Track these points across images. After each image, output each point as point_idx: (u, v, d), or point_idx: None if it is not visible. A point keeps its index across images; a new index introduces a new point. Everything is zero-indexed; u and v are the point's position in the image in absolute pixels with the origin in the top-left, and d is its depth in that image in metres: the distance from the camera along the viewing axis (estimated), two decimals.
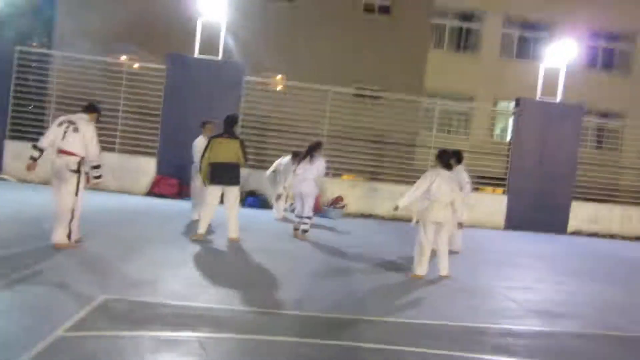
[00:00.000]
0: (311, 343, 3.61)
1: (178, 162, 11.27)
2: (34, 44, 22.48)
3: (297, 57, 16.94)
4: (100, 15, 16.50)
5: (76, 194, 5.58)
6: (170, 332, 3.50)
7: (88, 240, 5.95)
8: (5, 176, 11.22)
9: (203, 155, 6.93)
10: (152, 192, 11.36)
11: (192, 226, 7.98)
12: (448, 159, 6.25)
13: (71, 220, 5.55)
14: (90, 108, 5.92)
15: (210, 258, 5.98)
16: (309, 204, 7.86)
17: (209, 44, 12.41)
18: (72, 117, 5.74)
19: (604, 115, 18.93)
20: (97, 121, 5.99)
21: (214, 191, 6.94)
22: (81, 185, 5.63)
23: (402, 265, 6.63)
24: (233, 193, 6.96)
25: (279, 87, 17.69)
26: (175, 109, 11.65)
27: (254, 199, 11.35)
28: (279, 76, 17.62)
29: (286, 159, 10.00)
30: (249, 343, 3.50)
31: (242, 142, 6.98)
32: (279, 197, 10.10)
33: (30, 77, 13.90)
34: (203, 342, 3.38)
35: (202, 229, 6.89)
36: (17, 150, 11.44)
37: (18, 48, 11.68)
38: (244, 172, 10.07)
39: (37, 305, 3.74)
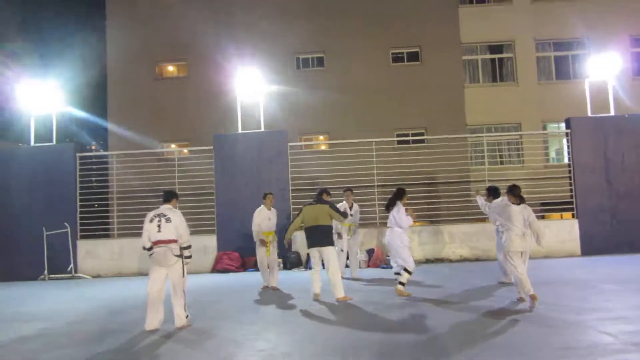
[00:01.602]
0: None
1: (237, 236, 11.53)
2: (93, 146, 24.30)
3: (337, 115, 17.38)
4: (147, 110, 17.74)
5: (183, 275, 6.08)
6: None
7: (166, 327, 6.09)
8: (80, 274, 11.81)
9: (292, 221, 7.88)
10: (216, 269, 11.57)
11: (261, 295, 8.03)
12: (519, 191, 6.57)
13: (184, 301, 6.09)
14: (168, 196, 6.40)
15: (280, 326, 5.91)
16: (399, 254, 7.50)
17: (251, 118, 12.97)
18: (160, 210, 6.21)
19: None
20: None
21: (311, 254, 7.48)
22: (185, 267, 6.14)
23: (484, 305, 6.32)
24: (329, 254, 7.31)
25: (323, 147, 18.05)
26: (227, 184, 12.06)
27: None
28: (322, 136, 18.03)
29: (340, 204, 9.68)
30: None
31: (331, 205, 7.54)
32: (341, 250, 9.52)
33: (92, 179, 14.94)
34: None
35: (317, 289, 7.46)
36: (88, 249, 12.13)
37: (78, 155, 12.60)
38: (302, 235, 10.18)
39: None
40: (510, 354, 4.50)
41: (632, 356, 4.29)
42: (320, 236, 7.34)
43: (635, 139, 12.05)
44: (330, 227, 7.50)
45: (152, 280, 6.06)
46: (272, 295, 8.15)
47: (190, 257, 6.20)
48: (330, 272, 7.25)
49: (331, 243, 7.40)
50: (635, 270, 9.17)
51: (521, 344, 4.80)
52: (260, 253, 8.67)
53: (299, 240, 11.84)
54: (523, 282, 6.29)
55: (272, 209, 8.88)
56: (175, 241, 6.05)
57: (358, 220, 9.98)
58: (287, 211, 11.69)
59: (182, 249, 6.10)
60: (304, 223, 7.50)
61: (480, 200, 8.65)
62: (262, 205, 8.83)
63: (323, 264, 7.45)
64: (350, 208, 9.67)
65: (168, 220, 6.04)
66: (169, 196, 6.39)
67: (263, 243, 8.64)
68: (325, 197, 7.72)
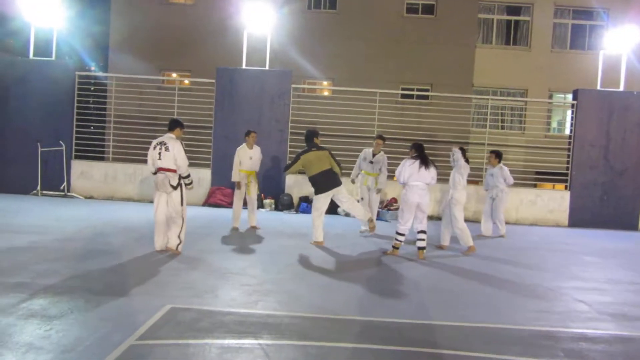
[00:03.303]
0: (375, 349, 3.56)
1: (231, 172, 11.52)
2: (92, 67, 23.74)
3: (343, 62, 16.99)
4: (150, 35, 17.22)
5: (181, 204, 6.25)
6: (234, 340, 3.54)
7: (153, 253, 6.20)
8: (73, 194, 11.87)
9: (290, 165, 7.79)
10: (208, 203, 11.66)
11: (247, 234, 8.14)
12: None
13: (180, 229, 6.22)
14: (173, 125, 6.44)
15: (267, 264, 6.03)
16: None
17: (256, 55, 12.65)
18: (162, 138, 6.31)
19: None
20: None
21: (324, 199, 7.48)
22: (185, 195, 6.28)
23: (465, 264, 6.47)
24: (342, 193, 7.55)
25: (326, 93, 17.78)
26: (226, 119, 11.94)
27: (307, 205, 11.42)
28: (326, 82, 17.71)
29: (366, 149, 9.26)
30: (310, 349, 3.48)
31: (330, 151, 7.59)
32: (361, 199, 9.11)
33: (90, 100, 14.70)
34: (266, 349, 3.40)
35: (320, 237, 7.49)
36: (82, 169, 12.12)
37: (77, 73, 12.32)
38: (297, 178, 10.19)
39: (109, 316, 3.90)
40: (488, 314, 4.64)
41: (604, 324, 4.44)
42: (332, 179, 7.44)
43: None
44: (332, 169, 7.51)
45: (155, 205, 6.29)
46: (261, 234, 8.27)
47: (190, 184, 6.39)
48: (349, 204, 7.61)
49: (340, 183, 7.53)
50: (617, 246, 9.37)
51: (501, 305, 4.95)
52: (239, 193, 8.55)
53: (291, 182, 11.90)
54: (467, 232, 7.56)
55: (256, 147, 8.65)
56: (173, 170, 6.18)
57: (385, 170, 9.07)
58: (284, 153, 11.66)
59: (182, 177, 6.25)
60: (309, 171, 7.48)
61: (458, 154, 8.01)
62: (244, 144, 8.60)
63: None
64: (373, 156, 9.06)
65: (167, 149, 6.15)
66: (173, 125, 6.42)
67: (238, 185, 8.52)
68: (316, 140, 7.64)
